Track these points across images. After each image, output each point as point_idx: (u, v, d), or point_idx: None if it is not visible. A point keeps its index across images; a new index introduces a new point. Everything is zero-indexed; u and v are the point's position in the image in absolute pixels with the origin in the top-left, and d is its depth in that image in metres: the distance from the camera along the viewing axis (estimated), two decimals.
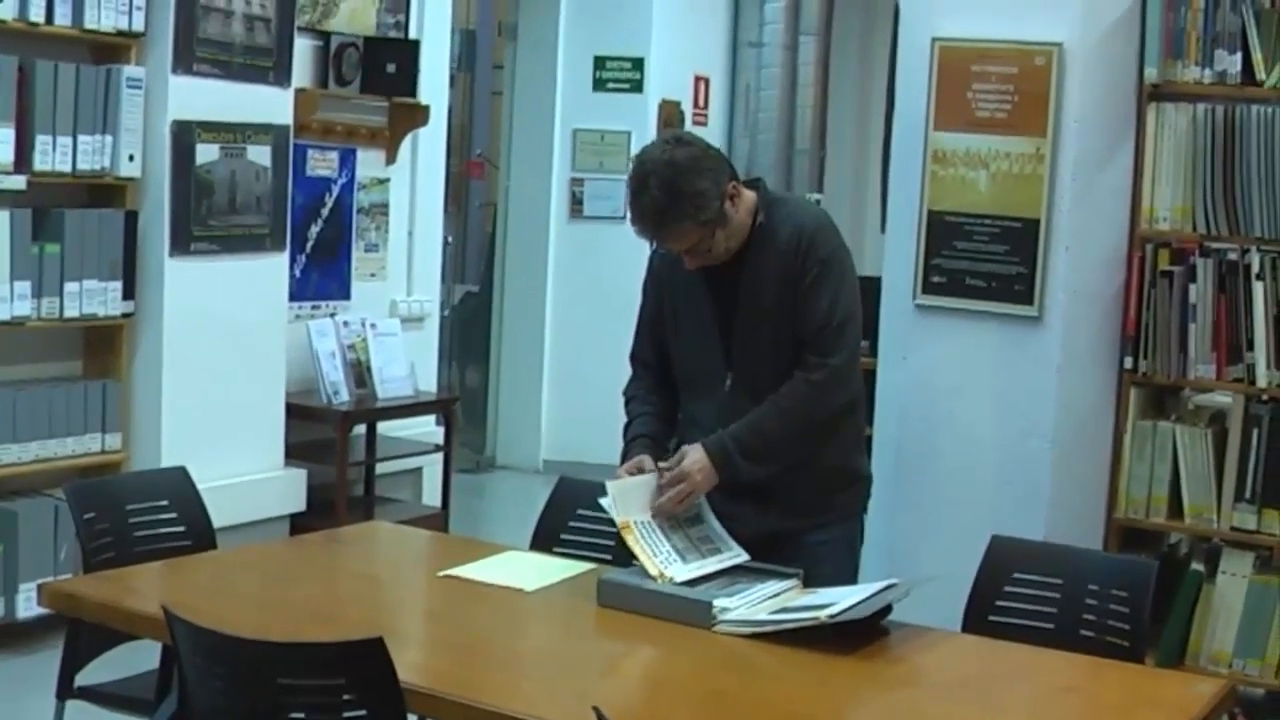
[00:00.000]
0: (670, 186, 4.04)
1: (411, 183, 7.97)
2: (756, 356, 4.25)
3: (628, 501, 4.07)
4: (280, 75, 6.65)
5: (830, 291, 4.22)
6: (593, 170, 9.98)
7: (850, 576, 4.30)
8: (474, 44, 9.92)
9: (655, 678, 3.66)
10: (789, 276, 4.20)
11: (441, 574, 4.11)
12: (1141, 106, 5.41)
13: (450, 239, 8.98)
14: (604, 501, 4.08)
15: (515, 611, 3.93)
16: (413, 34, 7.84)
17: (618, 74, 10.04)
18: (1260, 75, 5.27)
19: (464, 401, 9.66)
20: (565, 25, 10.08)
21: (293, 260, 6.98)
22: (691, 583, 3.89)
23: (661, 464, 4.18)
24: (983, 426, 5.46)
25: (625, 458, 4.31)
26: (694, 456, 4.13)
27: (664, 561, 3.95)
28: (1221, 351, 5.33)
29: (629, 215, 4.16)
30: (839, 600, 3.72)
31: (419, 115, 7.77)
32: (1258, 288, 5.28)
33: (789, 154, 10.94)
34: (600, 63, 10.06)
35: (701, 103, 10.58)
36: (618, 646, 3.79)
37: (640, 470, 4.19)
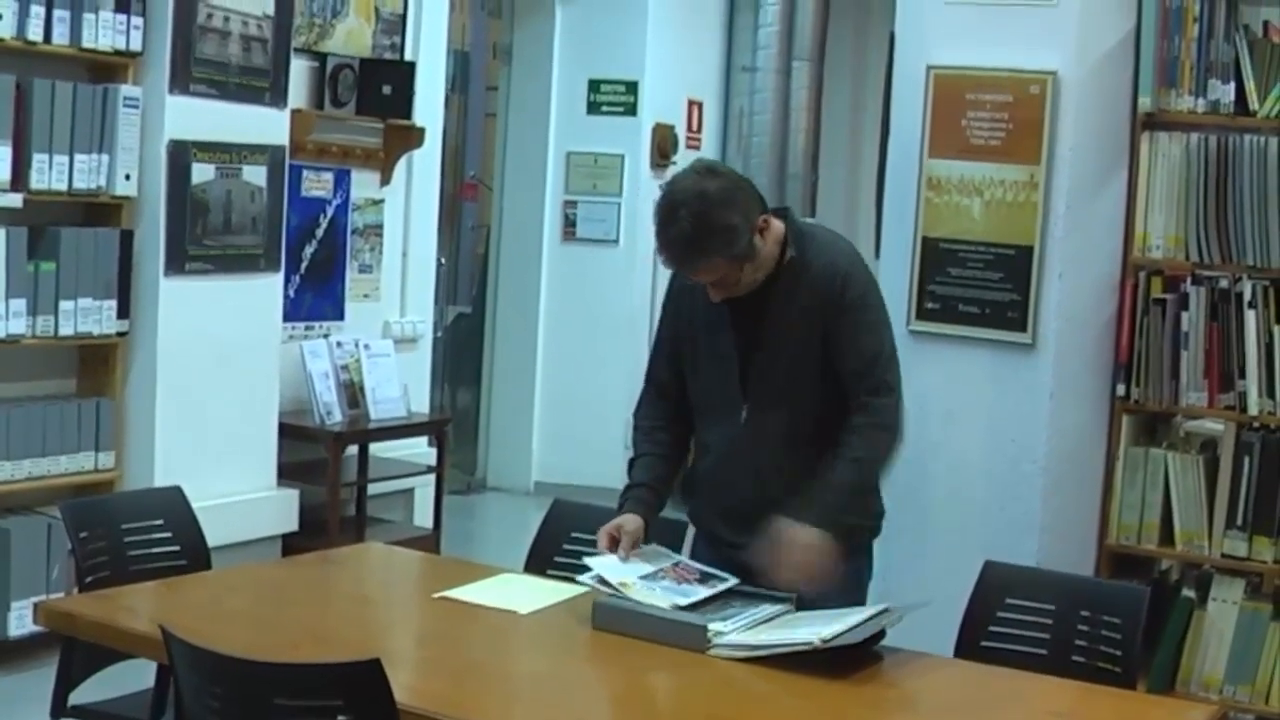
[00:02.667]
0: (701, 219, 3.97)
1: (405, 204, 7.99)
2: (775, 389, 4.20)
3: (616, 569, 4.07)
4: (276, 96, 6.67)
5: (875, 330, 4.21)
6: (586, 193, 10.00)
7: (855, 599, 4.28)
8: (468, 66, 9.93)
9: (650, 701, 3.66)
10: (823, 313, 4.14)
11: (436, 595, 4.12)
12: (1135, 135, 5.44)
13: (444, 260, 9.00)
14: (587, 579, 4.07)
15: (510, 634, 3.94)
16: (408, 56, 7.86)
17: (612, 97, 10.06)
18: (1253, 105, 5.30)
19: (456, 423, 9.67)
20: (560, 48, 10.11)
21: (287, 280, 7.00)
22: (686, 607, 3.90)
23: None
24: (976, 452, 5.47)
25: (621, 506, 4.27)
26: (805, 534, 4.01)
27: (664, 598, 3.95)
28: (1213, 379, 5.35)
29: (656, 245, 4.10)
30: (833, 625, 3.73)
31: (413, 137, 7.79)
32: (1250, 316, 5.30)
33: (781, 178, 10.95)
34: (594, 86, 10.09)
35: (695, 126, 10.60)
36: (613, 670, 3.80)
37: (620, 531, 4.17)
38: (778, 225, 4.16)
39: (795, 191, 11.02)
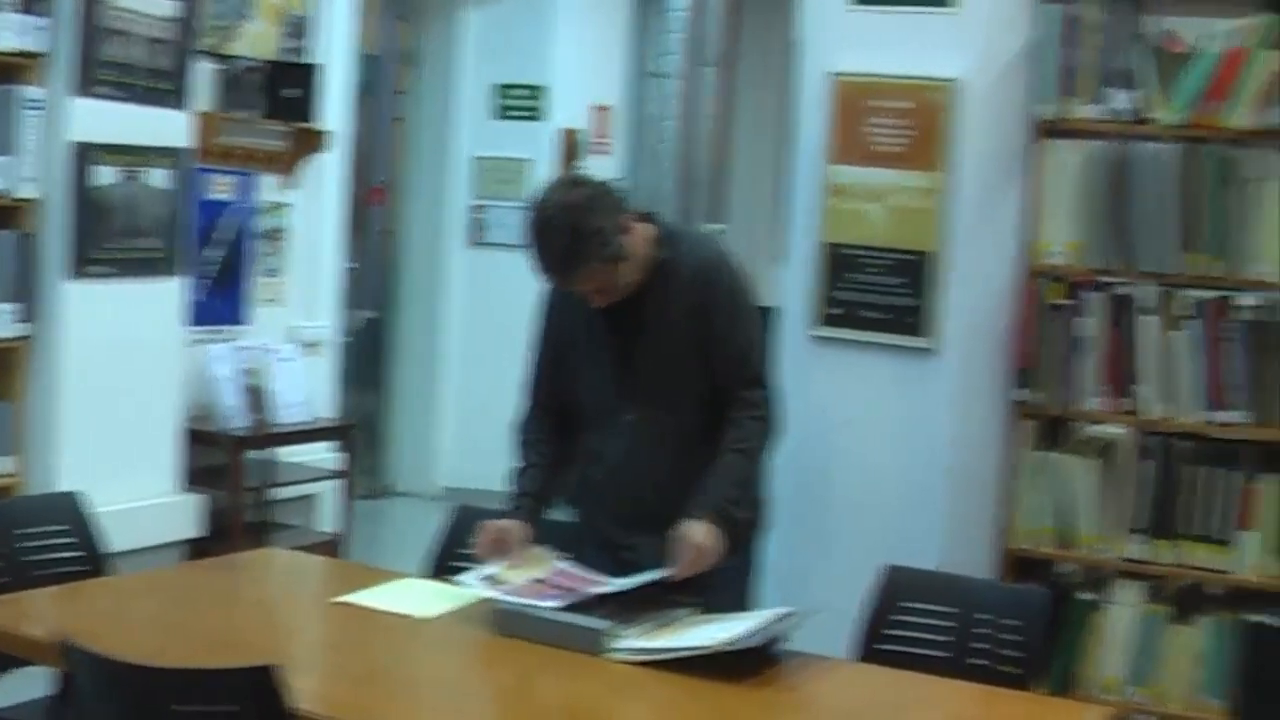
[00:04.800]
0: (571, 229, 4.08)
1: (312, 208, 7.95)
2: (658, 390, 4.30)
3: (503, 574, 4.11)
4: (181, 99, 6.62)
5: (746, 326, 4.34)
6: (493, 198, 9.99)
7: (747, 604, 4.34)
8: (377, 69, 9.89)
9: (551, 706, 3.66)
10: (696, 312, 4.25)
11: (336, 600, 4.11)
12: (1035, 142, 5.49)
13: (352, 265, 8.96)
14: (469, 578, 4.11)
15: (411, 639, 3.94)
16: (315, 59, 7.82)
17: (519, 102, 10.06)
18: (1152, 113, 5.36)
19: (364, 427, 9.63)
20: (467, 52, 10.11)
21: (191, 284, 6.95)
22: (588, 610, 3.91)
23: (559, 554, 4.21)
24: (878, 457, 5.50)
25: (506, 514, 4.33)
26: (697, 530, 4.12)
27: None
28: (1112, 384, 5.40)
29: (532, 261, 4.17)
30: (733, 628, 3.75)
31: (319, 140, 7.75)
32: (1148, 321, 5.36)
33: (690, 184, 10.99)
34: (502, 90, 10.09)
35: (603, 132, 10.61)
36: (511, 675, 3.80)
37: (504, 535, 4.22)
38: (648, 228, 4.26)
39: (704, 197, 11.07)
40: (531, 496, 4.38)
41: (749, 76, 11.62)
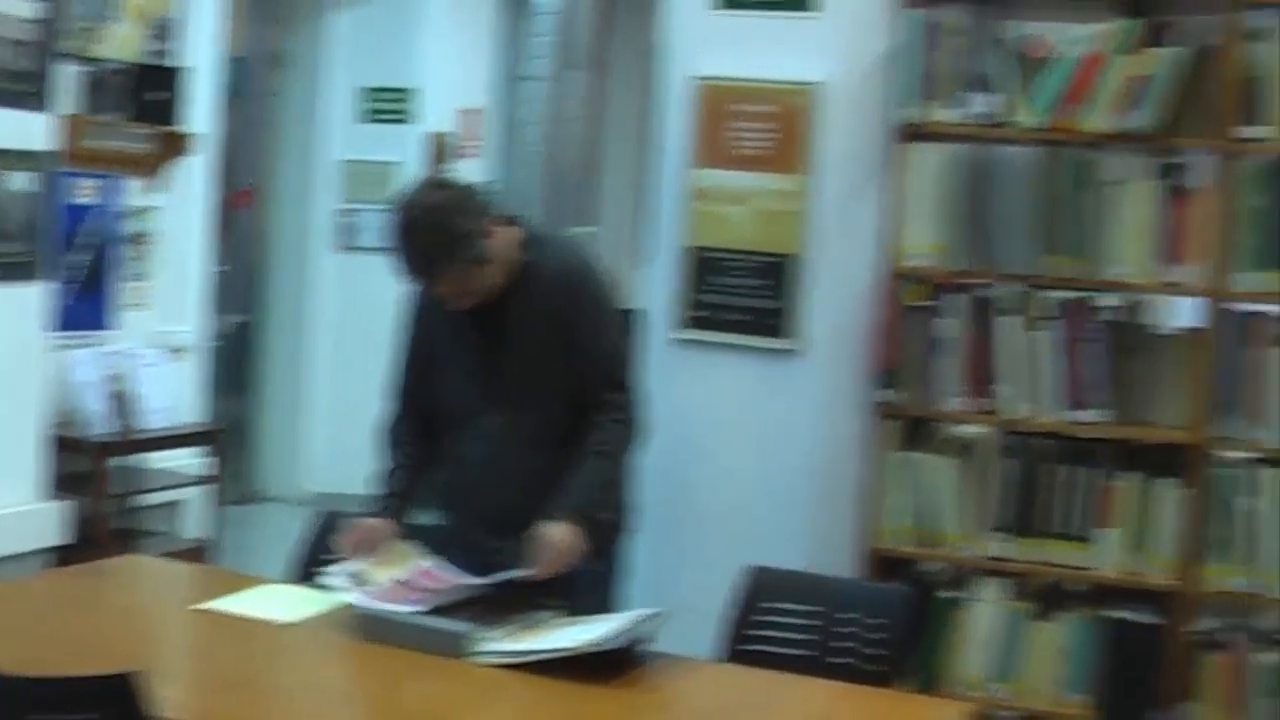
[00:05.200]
0: (436, 231, 4.10)
1: (179, 212, 7.88)
2: (523, 393, 4.31)
3: (366, 574, 4.11)
4: (44, 101, 6.56)
5: (609, 330, 4.38)
6: (361, 201, 9.95)
7: (611, 607, 4.36)
8: (245, 72, 9.83)
9: (414, 710, 3.66)
10: (560, 315, 4.27)
11: (198, 607, 4.09)
12: (897, 145, 5.54)
13: (221, 268, 8.90)
14: (333, 577, 4.11)
15: (274, 645, 3.93)
16: (181, 62, 7.76)
17: (387, 105, 10.03)
18: (1012, 117, 5.42)
19: (232, 432, 9.56)
20: (334, 55, 10.07)
21: (56, 289, 6.87)
22: (451, 614, 3.92)
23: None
24: (743, 458, 5.53)
25: (372, 514, 4.34)
26: (557, 530, 4.14)
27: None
28: (973, 384, 5.47)
29: (397, 262, 4.18)
30: (597, 629, 3.76)
31: (186, 143, 7.69)
32: (1008, 322, 5.43)
33: (559, 187, 11.00)
34: (370, 93, 10.05)
35: (471, 135, 10.59)
36: (375, 679, 3.80)
37: (369, 534, 4.23)
38: (513, 231, 4.28)
39: (574, 200, 11.08)
40: (398, 496, 4.39)
41: (618, 80, 11.65)
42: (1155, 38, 5.35)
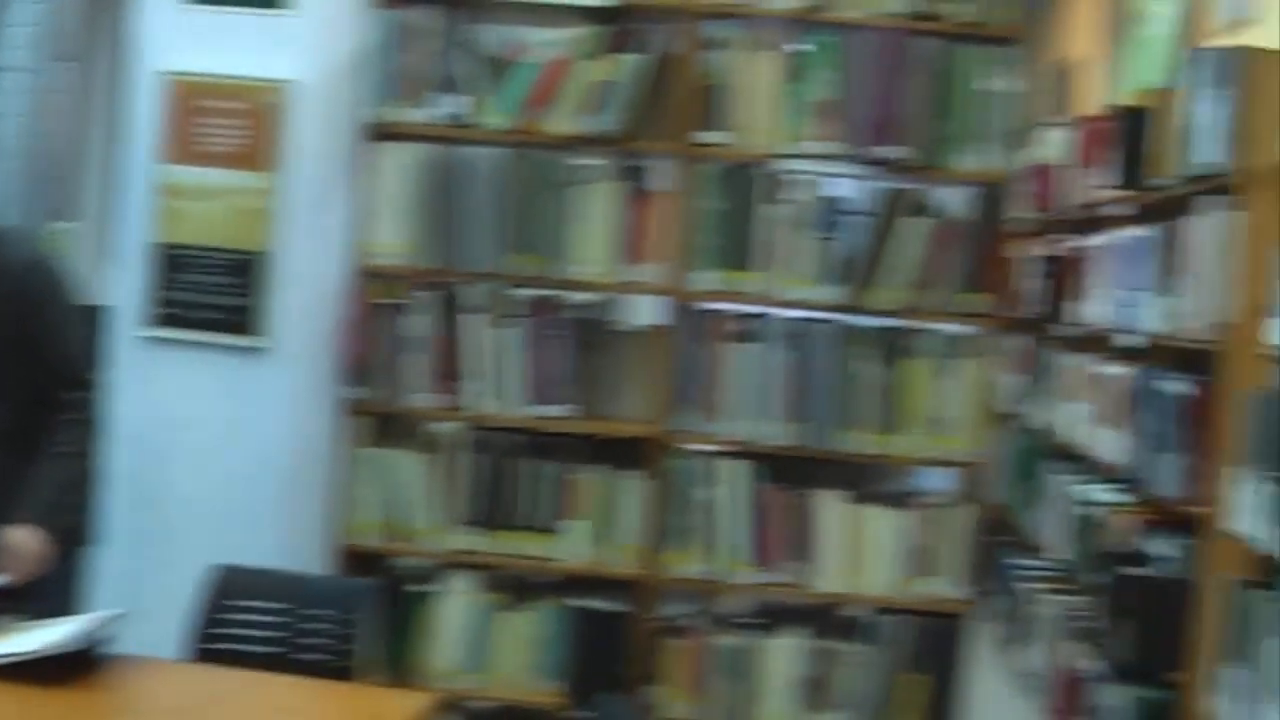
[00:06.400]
0: None
1: None
2: None
3: None
4: None
5: (69, 327, 4.28)
6: None
7: (76, 610, 4.28)
8: None
9: None
10: (19, 313, 4.16)
11: None
12: (367, 145, 5.59)
13: None
14: None
15: None
16: None
17: None
18: (480, 118, 5.53)
19: None
20: None
21: None
22: None
23: None
24: (215, 457, 5.47)
25: None
26: (23, 536, 4.04)
27: None
28: (442, 381, 5.56)
29: None
30: (55, 632, 3.70)
31: None
32: (475, 320, 5.54)
33: (39, 181, 10.67)
34: None
35: None
36: None
37: None
38: None
39: (55, 195, 10.75)
40: None
41: (101, 72, 11.37)
42: (621, 45, 5.53)
